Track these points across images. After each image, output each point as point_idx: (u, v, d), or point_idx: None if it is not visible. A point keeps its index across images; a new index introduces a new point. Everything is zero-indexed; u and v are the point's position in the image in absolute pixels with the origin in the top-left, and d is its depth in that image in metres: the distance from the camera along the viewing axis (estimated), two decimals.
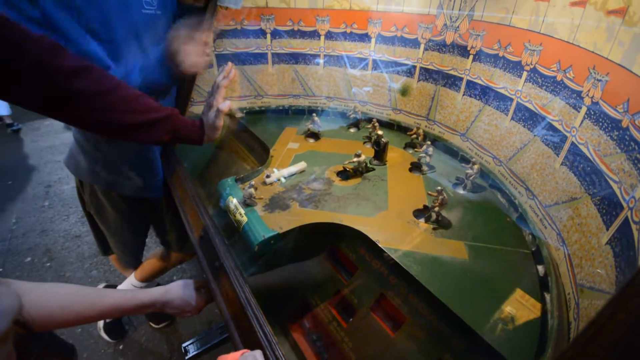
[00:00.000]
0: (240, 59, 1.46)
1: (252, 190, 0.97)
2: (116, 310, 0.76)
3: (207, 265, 0.92)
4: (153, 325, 1.78)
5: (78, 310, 0.68)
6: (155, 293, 0.84)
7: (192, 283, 0.92)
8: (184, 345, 1.03)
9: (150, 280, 1.71)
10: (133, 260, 1.51)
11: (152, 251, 1.61)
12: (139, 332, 1.77)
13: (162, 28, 1.09)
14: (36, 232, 2.43)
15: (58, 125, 4.06)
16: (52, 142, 3.71)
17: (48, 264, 2.18)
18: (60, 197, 2.80)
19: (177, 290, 0.89)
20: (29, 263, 2.18)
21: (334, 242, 0.97)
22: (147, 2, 1.01)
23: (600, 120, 0.72)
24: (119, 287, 1.71)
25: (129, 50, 0.99)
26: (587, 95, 0.76)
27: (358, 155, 1.10)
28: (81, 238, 2.37)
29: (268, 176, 1.09)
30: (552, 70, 0.87)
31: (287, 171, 1.14)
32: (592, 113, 0.74)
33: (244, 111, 1.56)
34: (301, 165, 1.16)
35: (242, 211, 0.94)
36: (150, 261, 1.58)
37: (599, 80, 0.73)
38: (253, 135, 1.40)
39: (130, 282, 1.68)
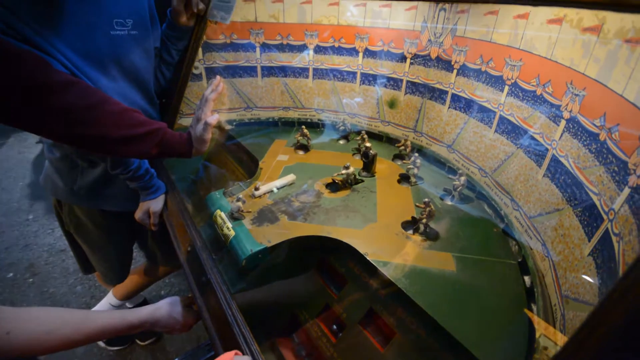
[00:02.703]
0: (230, 72, 1.47)
1: (239, 203, 0.97)
2: (104, 333, 0.73)
3: (194, 281, 0.91)
4: (139, 342, 1.73)
5: (65, 334, 0.66)
6: (143, 313, 0.82)
7: (180, 300, 0.91)
8: None
9: (130, 298, 1.66)
10: (118, 278, 1.46)
11: (133, 267, 1.56)
12: (124, 350, 1.71)
13: (141, 49, 1.05)
14: (19, 247, 2.36)
15: None
16: (39, 153, 3.64)
17: (31, 280, 2.11)
18: (45, 210, 2.73)
19: (166, 308, 0.87)
20: (11, 279, 2.11)
21: (323, 255, 0.97)
22: (118, 22, 0.95)
23: (579, 133, 0.74)
24: (96, 307, 1.66)
25: (97, 77, 0.94)
26: (566, 109, 0.78)
27: (347, 168, 1.11)
28: (66, 252, 2.30)
29: (257, 189, 1.08)
30: (532, 85, 0.90)
31: (278, 183, 1.13)
32: (571, 126, 0.77)
33: (234, 123, 1.56)
34: (290, 177, 1.16)
35: (230, 225, 0.93)
36: (131, 277, 1.54)
37: (577, 95, 0.75)
38: (242, 148, 1.40)
39: (108, 301, 1.63)
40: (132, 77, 1.06)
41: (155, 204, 1.15)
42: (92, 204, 1.19)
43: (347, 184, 1.14)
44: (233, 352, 0.65)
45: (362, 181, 1.18)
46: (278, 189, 1.13)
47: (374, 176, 1.22)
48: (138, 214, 1.16)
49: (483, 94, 1.08)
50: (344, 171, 1.11)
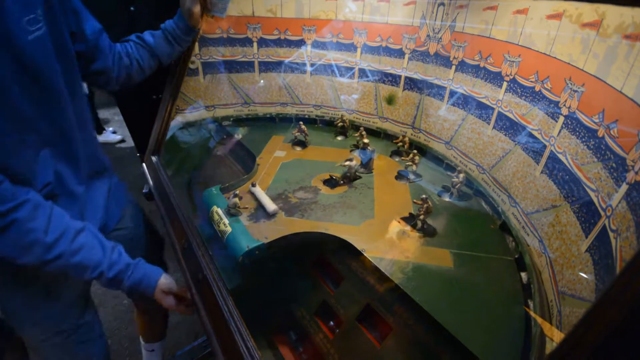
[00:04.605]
0: (227, 67, 1.46)
1: (236, 199, 0.96)
2: None
3: (190, 278, 0.90)
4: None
5: None
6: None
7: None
8: None
9: (152, 339, 1.41)
10: None
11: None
12: (123, 346, 1.71)
13: (59, 44, 0.72)
14: None
15: None
16: None
17: None
18: None
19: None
20: None
21: (320, 251, 0.96)
22: (30, 20, 0.63)
23: (577, 129, 0.74)
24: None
25: (31, 99, 0.66)
26: (564, 105, 0.78)
27: (350, 160, 1.11)
28: None
29: (254, 185, 1.08)
30: (531, 81, 0.90)
31: (266, 202, 1.01)
32: (569, 123, 0.76)
33: (231, 119, 1.55)
34: (273, 207, 0.99)
35: (226, 221, 0.92)
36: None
37: (575, 91, 0.75)
38: (239, 144, 1.39)
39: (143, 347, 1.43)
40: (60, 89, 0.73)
41: (163, 284, 0.84)
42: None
43: (347, 178, 1.13)
44: None
45: (360, 177, 1.17)
46: (263, 207, 1.01)
47: (371, 172, 1.21)
48: (163, 302, 0.85)
49: (481, 90, 1.07)
50: (346, 163, 1.11)
